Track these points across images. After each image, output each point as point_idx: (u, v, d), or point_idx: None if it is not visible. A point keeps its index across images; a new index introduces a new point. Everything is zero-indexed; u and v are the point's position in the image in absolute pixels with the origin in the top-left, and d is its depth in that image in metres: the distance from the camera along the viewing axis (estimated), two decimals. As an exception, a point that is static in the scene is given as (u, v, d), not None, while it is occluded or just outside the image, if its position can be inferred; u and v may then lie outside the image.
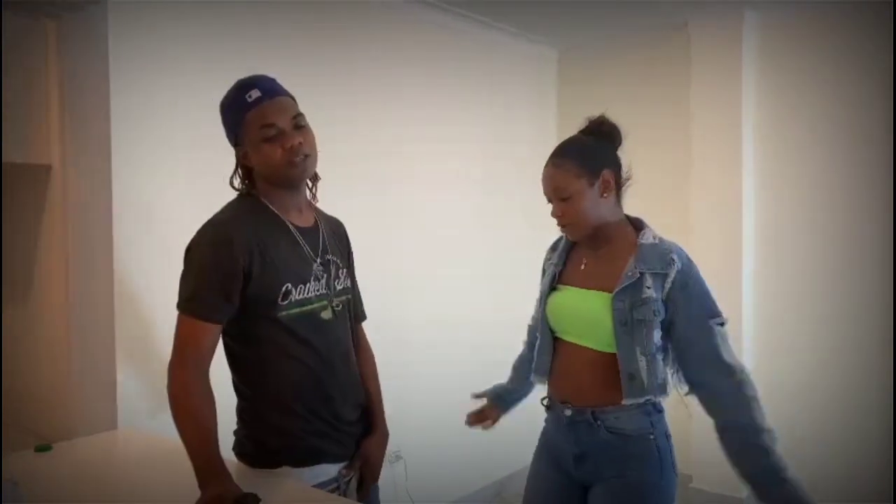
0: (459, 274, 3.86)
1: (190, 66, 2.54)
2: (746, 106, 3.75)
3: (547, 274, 1.93)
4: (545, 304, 1.88)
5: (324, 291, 1.68)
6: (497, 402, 2.15)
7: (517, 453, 4.21)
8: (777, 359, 3.73)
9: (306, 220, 1.72)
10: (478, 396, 2.15)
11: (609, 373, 1.72)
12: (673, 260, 1.69)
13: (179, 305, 1.57)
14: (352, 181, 3.06)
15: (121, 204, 2.28)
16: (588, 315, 1.76)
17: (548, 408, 1.94)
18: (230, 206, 1.67)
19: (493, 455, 4.07)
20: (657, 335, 1.69)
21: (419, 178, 3.59)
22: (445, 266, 3.80)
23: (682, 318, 1.68)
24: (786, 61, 3.71)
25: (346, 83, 3.16)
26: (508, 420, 4.35)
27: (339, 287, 1.74)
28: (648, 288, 1.67)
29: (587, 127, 1.83)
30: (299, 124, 1.62)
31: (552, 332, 1.86)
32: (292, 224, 1.67)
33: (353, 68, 3.21)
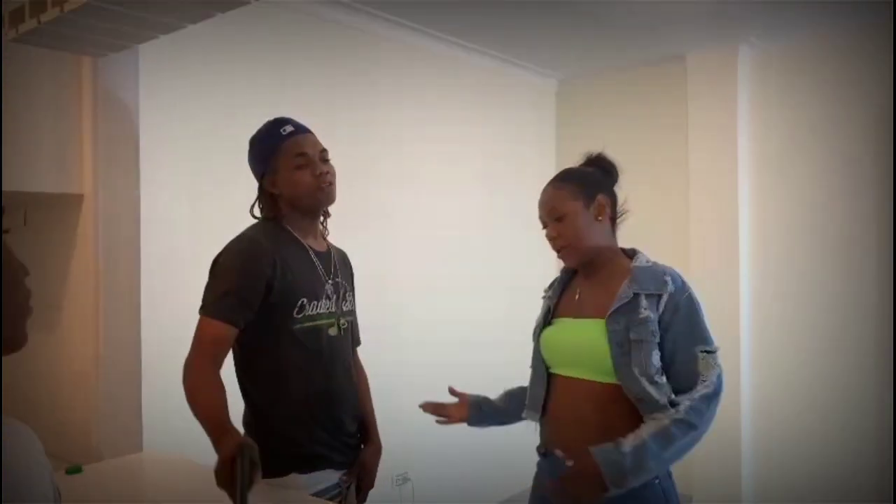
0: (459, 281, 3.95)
1: (214, 100, 2.68)
2: (742, 135, 3.89)
3: (542, 309, 1.90)
4: (538, 338, 1.85)
5: (333, 310, 1.84)
6: (472, 410, 1.98)
7: (520, 476, 4.28)
8: (775, 363, 3.83)
9: (321, 246, 1.89)
10: (455, 394, 2.02)
11: (609, 407, 1.64)
12: (666, 281, 1.67)
13: (205, 309, 1.69)
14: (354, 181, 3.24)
15: (148, 232, 2.38)
16: (583, 343, 1.71)
17: (543, 455, 1.83)
18: (256, 227, 1.82)
19: (497, 477, 4.12)
20: (656, 357, 1.62)
21: (420, 180, 3.74)
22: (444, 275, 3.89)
23: (669, 340, 1.64)
24: (778, 93, 3.86)
25: (363, 110, 3.35)
26: (510, 443, 4.43)
27: (345, 308, 1.90)
28: (645, 309, 1.63)
29: (587, 160, 1.89)
30: (325, 158, 1.83)
31: (546, 366, 1.80)
32: (310, 247, 1.83)
33: (370, 100, 3.34)
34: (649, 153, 4.21)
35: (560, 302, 1.86)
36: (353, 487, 1.90)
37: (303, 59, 3.10)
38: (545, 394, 1.79)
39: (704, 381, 1.60)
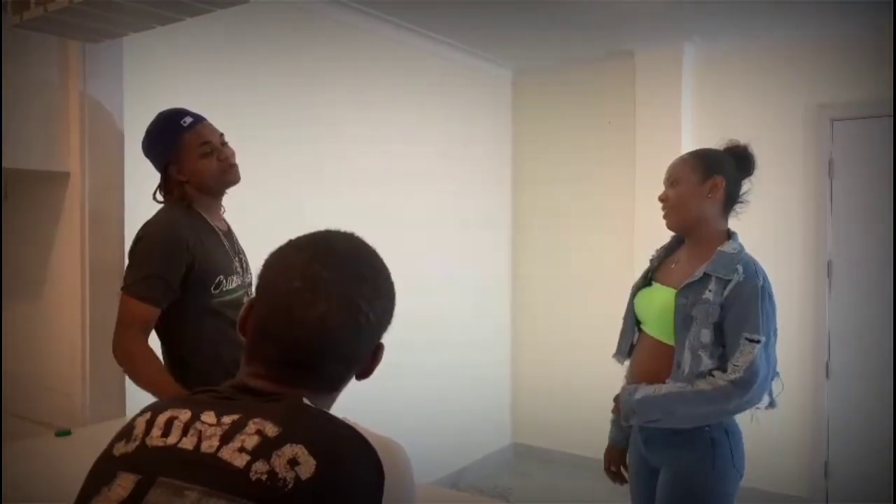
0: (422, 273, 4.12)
1: (194, 86, 2.78)
2: (686, 126, 4.13)
3: (644, 270, 2.14)
4: (634, 295, 2.11)
5: (241, 283, 2.03)
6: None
7: (472, 445, 4.52)
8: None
9: (223, 225, 2.08)
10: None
11: (668, 361, 1.89)
12: (737, 269, 1.83)
13: (128, 289, 1.86)
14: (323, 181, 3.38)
15: (130, 208, 2.50)
16: (660, 308, 1.94)
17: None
18: (169, 210, 1.97)
19: (451, 449, 4.33)
20: (706, 334, 1.82)
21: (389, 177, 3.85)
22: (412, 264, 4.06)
23: (726, 323, 1.82)
24: (719, 86, 4.13)
25: (323, 92, 3.47)
26: (465, 414, 4.65)
27: (248, 280, 2.09)
28: (710, 291, 1.83)
29: (729, 146, 2.04)
30: (224, 141, 2.01)
31: (637, 320, 2.09)
32: (217, 227, 2.02)
33: (329, 82, 3.47)
34: (600, 144, 4.46)
35: (661, 266, 2.10)
36: None
37: (261, 47, 3.17)
38: (633, 342, 2.10)
39: (736, 365, 1.79)
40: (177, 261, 1.85)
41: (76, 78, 2.29)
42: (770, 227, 3.94)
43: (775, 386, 1.92)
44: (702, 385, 1.81)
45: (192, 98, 2.68)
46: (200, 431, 0.83)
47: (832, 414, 3.88)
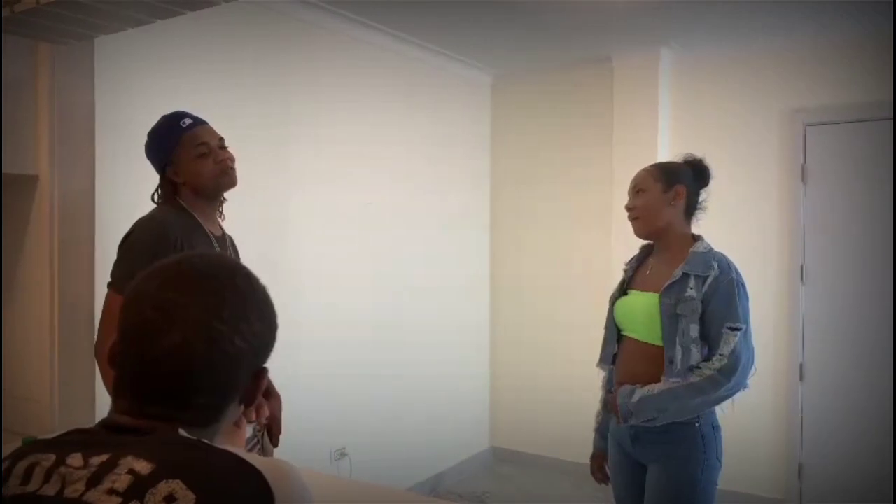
0: (394, 274, 4.12)
1: (167, 84, 2.76)
2: (662, 130, 4.17)
3: (619, 281, 2.27)
4: (613, 305, 2.21)
5: None
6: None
7: (450, 449, 4.52)
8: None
9: (218, 230, 2.06)
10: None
11: (657, 362, 2.01)
12: (713, 265, 2.00)
13: (115, 285, 1.85)
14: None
15: (102, 212, 2.46)
16: (644, 313, 2.07)
17: (609, 392, 2.26)
18: (163, 209, 1.97)
19: (430, 453, 4.33)
20: (694, 329, 1.96)
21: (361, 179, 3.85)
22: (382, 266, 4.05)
23: (707, 316, 1.97)
24: (695, 91, 4.17)
25: (303, 96, 3.45)
26: (443, 420, 4.66)
27: None
28: (691, 289, 1.98)
29: (687, 159, 2.19)
30: (223, 145, 2.00)
31: (618, 328, 2.19)
32: (210, 231, 1.99)
33: (308, 86, 3.46)
34: (578, 146, 4.48)
35: (635, 275, 2.22)
36: (265, 435, 2.07)
37: (239, 50, 3.15)
38: (616, 349, 2.20)
39: (721, 354, 1.95)
40: (165, 255, 1.82)
41: (46, 80, 2.26)
42: (744, 231, 3.99)
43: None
44: (690, 378, 1.95)
45: (166, 100, 2.65)
46: (64, 476, 0.78)
47: (807, 415, 3.92)
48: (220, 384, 0.89)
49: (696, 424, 2.01)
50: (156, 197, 2.00)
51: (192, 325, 0.86)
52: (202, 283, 0.90)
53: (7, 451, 2.02)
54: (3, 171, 2.23)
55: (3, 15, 1.69)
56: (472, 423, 4.83)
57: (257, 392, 0.94)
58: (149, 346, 0.87)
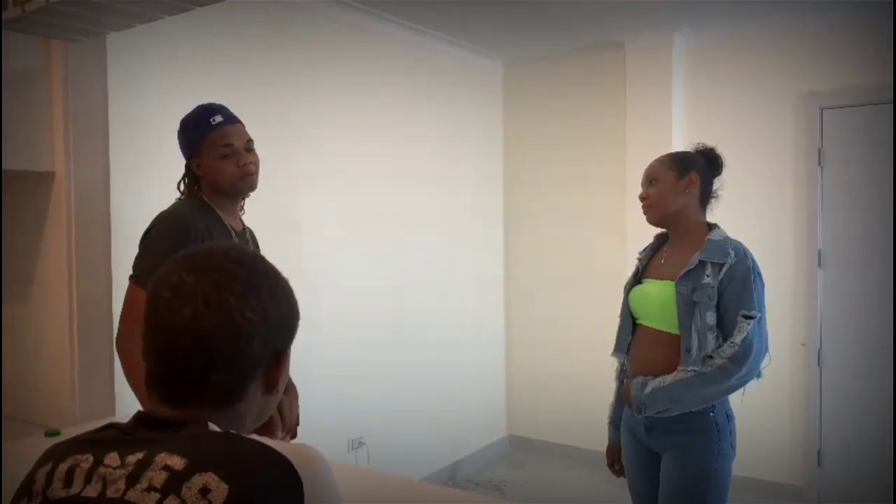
0: (412, 271, 4.13)
1: (180, 81, 2.78)
2: (676, 116, 4.14)
3: (633, 269, 2.28)
4: (628, 294, 2.22)
5: None
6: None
7: (468, 439, 4.54)
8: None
9: (238, 225, 2.07)
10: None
11: (673, 350, 2.02)
12: (729, 253, 1.99)
13: (136, 278, 1.86)
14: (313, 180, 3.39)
15: (117, 207, 2.49)
16: (659, 301, 2.07)
17: (621, 382, 2.27)
18: (184, 203, 1.98)
19: (447, 441, 4.36)
20: (710, 317, 1.97)
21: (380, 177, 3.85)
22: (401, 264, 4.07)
23: (723, 303, 1.97)
24: (709, 76, 4.13)
25: (311, 88, 3.46)
26: (460, 408, 4.68)
27: None
28: (707, 276, 1.98)
29: (699, 148, 2.19)
30: (250, 147, 2.00)
31: (633, 317, 2.20)
32: (230, 226, 2.00)
33: (316, 78, 3.46)
34: (591, 133, 4.46)
35: (649, 264, 2.22)
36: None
37: (249, 45, 3.15)
38: (630, 338, 2.20)
39: (733, 342, 1.95)
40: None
41: (59, 77, 2.28)
42: (761, 217, 3.96)
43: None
44: (703, 368, 1.95)
45: (178, 96, 2.68)
46: (104, 476, 0.81)
47: (825, 402, 3.89)
48: (237, 360, 0.91)
49: (711, 414, 2.02)
50: (181, 186, 2.02)
51: (201, 299, 0.89)
52: (212, 261, 0.93)
53: (28, 443, 2.07)
54: (20, 168, 2.27)
55: (14, 14, 1.71)
56: (489, 412, 4.85)
57: (279, 377, 0.96)
58: (164, 323, 0.90)
